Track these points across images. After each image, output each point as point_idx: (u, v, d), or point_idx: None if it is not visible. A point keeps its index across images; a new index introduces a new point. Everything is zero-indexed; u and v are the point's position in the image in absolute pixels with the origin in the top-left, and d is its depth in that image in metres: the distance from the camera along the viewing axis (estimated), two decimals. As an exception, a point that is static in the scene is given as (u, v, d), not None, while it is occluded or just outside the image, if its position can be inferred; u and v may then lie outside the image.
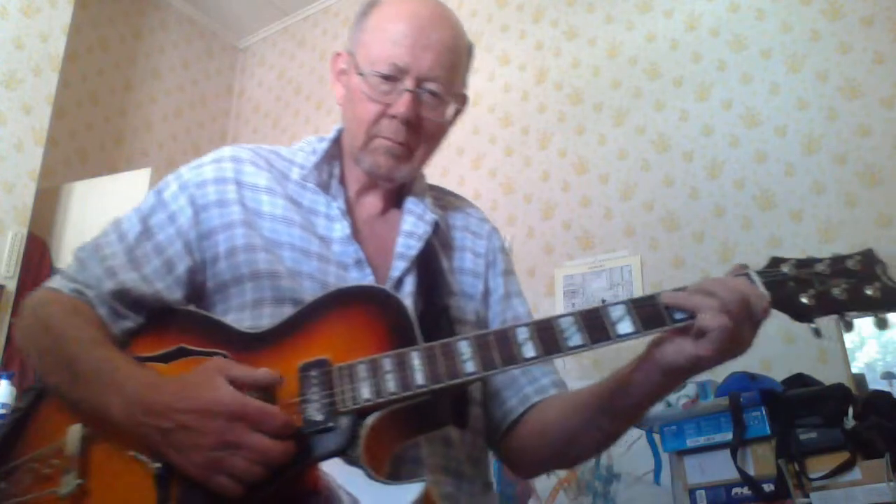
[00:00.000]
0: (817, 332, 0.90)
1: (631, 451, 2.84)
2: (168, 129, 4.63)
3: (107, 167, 4.10)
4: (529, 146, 3.63)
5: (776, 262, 0.93)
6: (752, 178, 2.99)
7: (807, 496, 1.97)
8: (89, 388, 0.91)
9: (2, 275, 3.04)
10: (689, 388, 2.38)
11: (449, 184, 4.23)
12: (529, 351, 0.88)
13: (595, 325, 0.88)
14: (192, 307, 1.05)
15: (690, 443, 2.25)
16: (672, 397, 2.38)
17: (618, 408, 0.99)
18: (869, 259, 0.91)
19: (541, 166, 3.56)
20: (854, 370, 2.51)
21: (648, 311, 0.88)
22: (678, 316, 0.87)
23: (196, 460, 0.83)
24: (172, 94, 4.71)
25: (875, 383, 2.45)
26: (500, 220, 3.56)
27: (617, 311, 0.88)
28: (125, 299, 1.01)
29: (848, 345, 2.56)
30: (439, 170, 3.83)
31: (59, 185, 3.70)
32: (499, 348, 0.88)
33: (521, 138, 3.67)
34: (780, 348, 2.70)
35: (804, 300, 0.90)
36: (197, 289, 1.07)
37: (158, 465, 0.86)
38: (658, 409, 2.42)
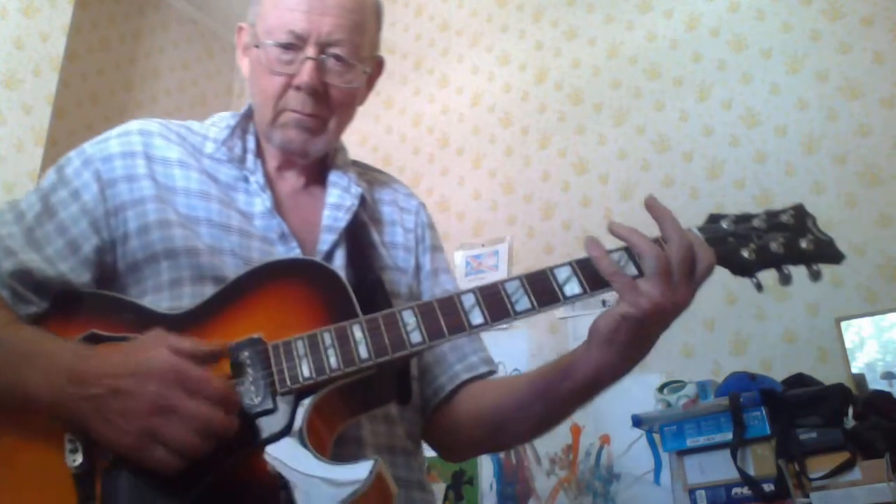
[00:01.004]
0: (759, 287, 0.91)
1: (631, 451, 2.84)
2: (168, 129, 4.62)
3: (107, 167, 4.09)
4: (529, 146, 3.63)
5: (715, 218, 0.94)
6: (752, 178, 2.99)
7: (807, 496, 1.97)
8: (2, 371, 0.82)
9: (2, 275, 3.04)
10: (689, 388, 2.38)
11: (449, 184, 4.20)
12: (477, 317, 0.85)
13: (543, 288, 0.86)
14: (103, 290, 0.96)
15: (690, 443, 2.25)
16: (672, 397, 2.38)
17: (558, 393, 0.96)
18: (800, 213, 0.94)
19: (541, 166, 3.55)
20: (854, 370, 2.51)
21: (594, 270, 0.86)
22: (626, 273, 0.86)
23: (128, 428, 0.76)
24: (172, 94, 4.71)
25: (875, 383, 2.45)
26: (500, 220, 3.56)
27: (563, 273, 0.87)
28: (26, 281, 0.91)
29: (848, 345, 2.56)
30: (439, 169, 3.83)
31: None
32: (445, 316, 0.84)
33: (521, 138, 3.67)
34: (780, 348, 2.71)
35: (745, 254, 0.90)
36: (107, 270, 0.98)
37: (77, 463, 0.79)
38: (658, 409, 2.42)
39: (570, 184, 3.44)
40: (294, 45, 1.02)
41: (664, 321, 0.86)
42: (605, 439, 2.92)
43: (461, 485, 3.11)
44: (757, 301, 2.78)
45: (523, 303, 0.85)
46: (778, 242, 0.91)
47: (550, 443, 3.02)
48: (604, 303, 1.84)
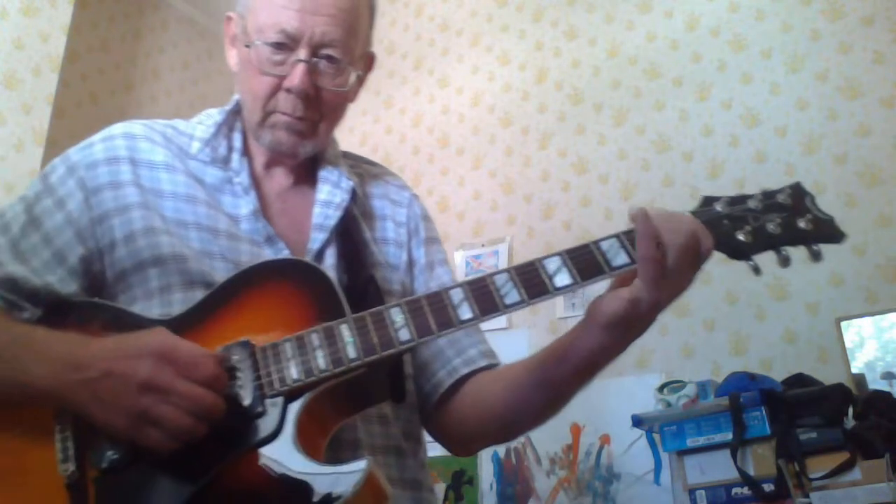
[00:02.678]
0: (756, 270, 0.88)
1: (631, 451, 2.84)
2: (168, 129, 4.62)
3: (107, 167, 4.09)
4: (529, 146, 3.63)
5: (709, 200, 0.92)
6: (752, 178, 2.99)
7: (807, 496, 1.97)
8: (5, 361, 0.83)
9: (2, 275, 3.04)
10: (689, 388, 2.38)
11: (449, 184, 4.20)
12: (466, 312, 0.82)
13: (532, 280, 0.83)
14: (95, 298, 0.96)
15: (690, 443, 2.25)
16: (672, 397, 2.38)
17: (557, 377, 0.93)
18: (798, 192, 0.91)
19: (541, 166, 3.55)
20: (854, 370, 2.52)
21: (585, 261, 0.84)
22: (616, 263, 0.84)
23: (122, 409, 0.77)
24: (172, 94, 4.71)
25: (875, 383, 2.45)
26: (500, 220, 3.56)
27: (553, 264, 0.84)
28: (16, 290, 0.92)
29: (848, 345, 2.56)
30: (439, 169, 3.83)
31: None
32: (433, 312, 0.83)
33: (521, 138, 3.67)
34: (780, 348, 2.71)
35: (741, 237, 0.88)
36: (95, 279, 0.97)
37: (70, 471, 0.80)
38: (658, 409, 2.42)
39: (570, 184, 3.45)
40: (286, 45, 0.98)
41: (666, 306, 0.85)
42: (605, 439, 2.92)
43: (461, 485, 3.11)
44: (757, 301, 2.78)
45: (513, 296, 0.83)
46: (775, 223, 0.88)
47: (550, 443, 3.02)
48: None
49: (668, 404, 2.37)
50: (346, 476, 0.76)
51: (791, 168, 2.91)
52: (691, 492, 2.22)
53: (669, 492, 2.66)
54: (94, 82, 4.27)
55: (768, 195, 0.91)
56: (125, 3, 4.55)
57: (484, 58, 3.93)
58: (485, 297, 0.83)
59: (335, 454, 0.86)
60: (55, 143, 3.70)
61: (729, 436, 2.16)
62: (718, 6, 3.31)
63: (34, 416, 0.84)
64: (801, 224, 0.88)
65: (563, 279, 0.84)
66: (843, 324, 2.59)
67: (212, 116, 1.10)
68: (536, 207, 3.50)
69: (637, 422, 2.44)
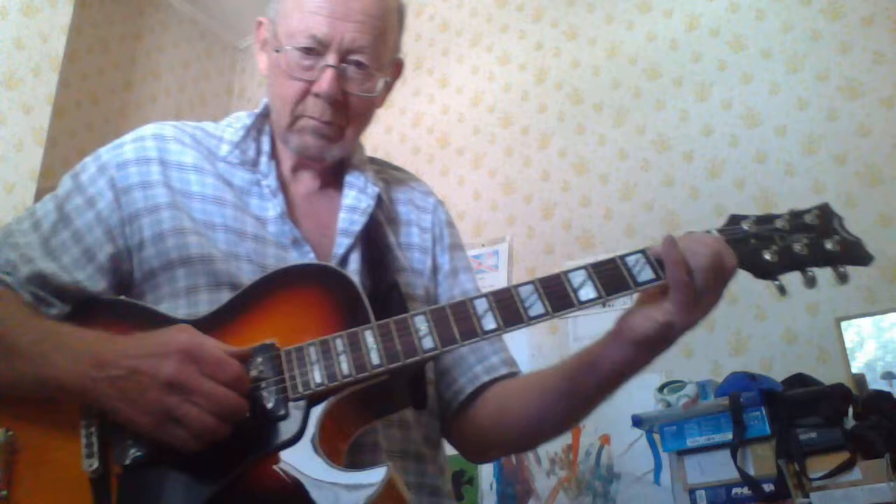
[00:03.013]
0: (782, 290, 0.89)
1: (631, 451, 2.84)
2: (168, 129, 4.62)
3: (107, 167, 4.09)
4: (529, 146, 3.63)
5: (736, 219, 0.91)
6: (752, 178, 2.99)
7: (807, 496, 1.97)
8: (28, 360, 0.84)
9: (2, 275, 3.04)
10: (689, 388, 2.38)
11: (449, 184, 4.20)
12: (490, 323, 0.83)
13: (556, 293, 0.83)
14: (122, 296, 0.97)
15: (690, 443, 2.25)
16: (672, 397, 2.38)
17: (582, 388, 0.94)
18: (825, 213, 0.91)
19: (541, 166, 3.55)
20: (854, 370, 2.52)
21: (610, 275, 0.84)
22: (642, 278, 0.84)
23: (146, 407, 0.77)
24: (172, 94, 4.71)
25: (875, 383, 2.45)
26: (500, 220, 3.56)
27: (578, 277, 0.84)
28: (46, 286, 0.93)
29: (848, 345, 2.56)
30: (439, 169, 3.83)
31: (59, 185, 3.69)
32: (457, 322, 0.83)
33: (521, 138, 3.67)
34: (780, 348, 2.71)
35: (767, 256, 0.88)
36: (123, 277, 0.99)
37: (94, 467, 0.80)
38: (658, 409, 2.42)
39: (570, 184, 3.45)
40: (315, 50, 1.00)
41: (695, 325, 0.85)
42: (605, 439, 2.92)
43: (461, 485, 3.11)
44: (757, 301, 2.78)
45: (537, 308, 0.83)
46: (802, 244, 0.88)
47: (550, 443, 3.02)
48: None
49: (668, 404, 2.37)
50: (366, 482, 0.76)
51: (791, 168, 2.91)
52: (691, 492, 2.22)
53: (669, 492, 2.66)
54: (94, 82, 4.26)
55: (796, 215, 0.91)
56: (125, 4, 4.55)
57: (484, 58, 3.93)
58: (509, 308, 0.84)
59: (355, 457, 0.87)
60: (55, 143, 3.70)
61: (729, 436, 2.16)
62: (718, 6, 3.31)
63: (61, 412, 0.85)
64: (829, 245, 0.88)
65: (587, 293, 0.84)
66: (843, 324, 2.59)
67: (240, 119, 1.11)
68: (536, 207, 3.50)
69: (637, 422, 2.44)
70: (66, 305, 0.94)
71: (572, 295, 0.84)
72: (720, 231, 0.89)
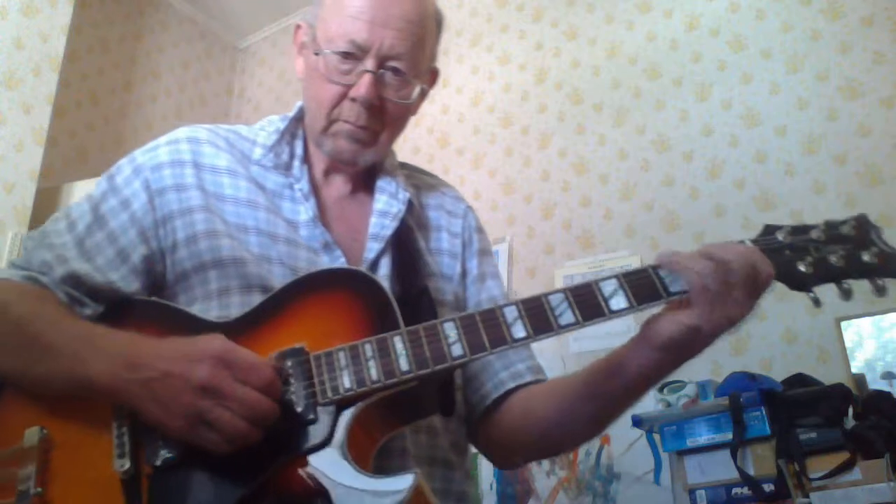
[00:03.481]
0: (817, 302, 0.88)
1: (631, 451, 2.84)
2: (168, 129, 4.58)
3: (107, 167, 4.06)
4: (529, 146, 3.63)
5: (770, 229, 0.89)
6: (752, 178, 2.99)
7: (807, 496, 1.97)
8: (62, 360, 0.85)
9: (2, 275, 3.04)
10: (689, 388, 2.38)
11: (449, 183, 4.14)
12: (520, 331, 0.82)
13: (587, 302, 0.83)
14: (154, 298, 0.98)
15: (690, 443, 2.25)
16: (672, 397, 2.38)
17: (608, 392, 0.93)
18: (863, 224, 0.89)
19: (541, 166, 3.55)
20: (854, 370, 2.52)
21: (642, 284, 0.83)
22: (674, 289, 0.83)
23: (178, 410, 0.78)
24: (172, 94, 4.71)
25: (875, 383, 2.45)
26: (500, 220, 3.56)
27: (609, 286, 0.83)
28: (79, 286, 0.95)
29: (848, 345, 2.56)
30: (439, 169, 3.83)
31: (59, 185, 3.70)
32: (487, 329, 0.82)
33: (521, 138, 3.67)
34: (780, 348, 2.71)
35: (802, 268, 0.86)
36: (156, 279, 1.00)
37: (125, 468, 0.81)
38: (658, 409, 2.42)
39: (570, 184, 3.45)
40: (354, 55, 1.00)
41: (725, 332, 0.84)
42: (605, 439, 2.92)
43: (461, 485, 3.10)
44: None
45: (567, 317, 0.82)
46: (838, 255, 0.86)
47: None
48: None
49: (668, 404, 2.37)
50: (393, 489, 0.76)
51: (791, 168, 2.91)
52: (691, 492, 2.22)
53: (669, 492, 2.66)
54: (94, 82, 4.26)
55: (832, 226, 0.89)
56: (125, 4, 4.55)
57: (484, 58, 3.93)
58: (539, 316, 0.83)
59: (383, 462, 0.87)
60: (55, 143, 3.70)
61: (729, 436, 2.15)
62: (718, 6, 3.31)
63: (93, 410, 0.86)
64: (866, 257, 0.87)
65: (619, 302, 0.83)
66: (843, 324, 2.59)
67: (273, 123, 1.12)
68: (536, 207, 3.50)
69: (637, 422, 2.43)
70: (99, 306, 0.96)
71: (603, 304, 0.83)
72: (754, 241, 0.88)
